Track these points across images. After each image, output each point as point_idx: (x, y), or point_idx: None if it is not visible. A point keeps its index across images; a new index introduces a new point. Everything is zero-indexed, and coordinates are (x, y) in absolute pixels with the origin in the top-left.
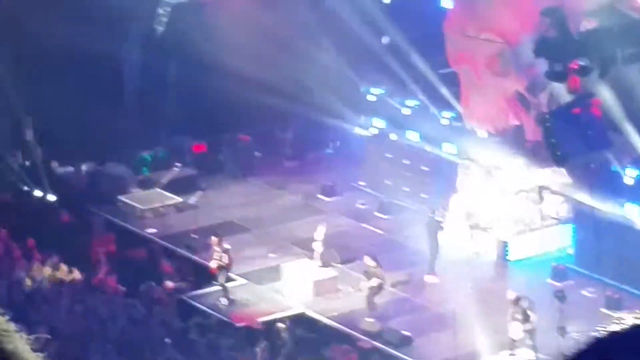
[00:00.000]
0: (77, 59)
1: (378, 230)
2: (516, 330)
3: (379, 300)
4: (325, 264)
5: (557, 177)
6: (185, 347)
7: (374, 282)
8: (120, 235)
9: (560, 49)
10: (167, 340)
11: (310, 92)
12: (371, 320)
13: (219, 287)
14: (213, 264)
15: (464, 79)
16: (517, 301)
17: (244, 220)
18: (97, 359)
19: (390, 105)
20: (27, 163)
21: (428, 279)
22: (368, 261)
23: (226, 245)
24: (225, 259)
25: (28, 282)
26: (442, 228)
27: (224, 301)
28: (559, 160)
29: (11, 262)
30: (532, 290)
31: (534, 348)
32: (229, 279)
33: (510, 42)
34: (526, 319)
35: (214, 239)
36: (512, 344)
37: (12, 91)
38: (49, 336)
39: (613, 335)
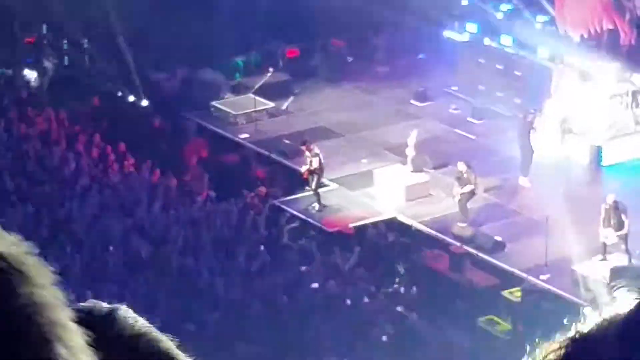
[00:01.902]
0: None
1: (471, 136)
2: (610, 235)
3: (471, 205)
4: (417, 169)
5: None
6: (278, 252)
7: (467, 187)
8: (213, 140)
9: None
10: (261, 246)
11: None
12: (463, 225)
13: (311, 193)
14: (304, 169)
15: None
16: (615, 206)
17: (336, 126)
18: (191, 262)
19: (484, 9)
20: (122, 69)
21: (521, 181)
22: (461, 167)
23: (316, 150)
24: (316, 164)
25: (123, 186)
26: (534, 130)
27: (316, 206)
28: None
29: (105, 166)
30: (626, 194)
31: (628, 252)
32: (321, 185)
33: None
34: (621, 224)
35: (304, 144)
36: (604, 249)
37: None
38: None
39: None
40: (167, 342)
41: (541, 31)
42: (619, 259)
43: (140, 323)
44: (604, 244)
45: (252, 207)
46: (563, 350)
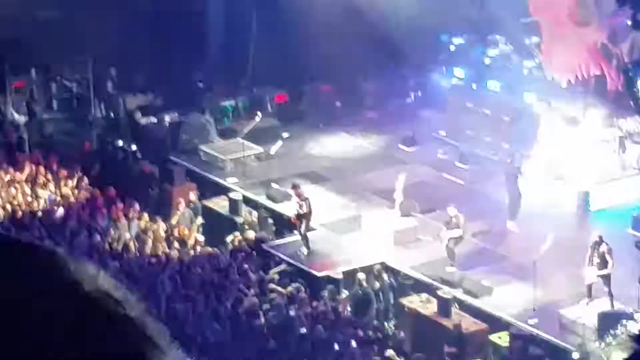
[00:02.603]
0: (160, 10)
1: (459, 180)
2: (591, 274)
3: (459, 249)
4: (405, 214)
5: (638, 126)
6: (267, 297)
7: (456, 232)
8: (202, 185)
9: None
10: (249, 292)
11: (391, 42)
12: (452, 269)
13: (300, 237)
14: (293, 214)
15: (545, 29)
16: (598, 244)
17: (324, 170)
18: (179, 307)
19: (471, 54)
20: (110, 114)
21: (509, 225)
22: (452, 211)
23: (305, 195)
24: (305, 208)
25: (112, 231)
26: (521, 174)
27: (304, 251)
28: None
29: (93, 211)
30: (612, 240)
31: (610, 295)
32: (309, 229)
33: None
34: (604, 263)
35: (293, 189)
36: (589, 290)
37: (95, 43)
38: None
39: None
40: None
41: (529, 76)
42: (603, 304)
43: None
44: (589, 286)
45: (241, 251)
46: None
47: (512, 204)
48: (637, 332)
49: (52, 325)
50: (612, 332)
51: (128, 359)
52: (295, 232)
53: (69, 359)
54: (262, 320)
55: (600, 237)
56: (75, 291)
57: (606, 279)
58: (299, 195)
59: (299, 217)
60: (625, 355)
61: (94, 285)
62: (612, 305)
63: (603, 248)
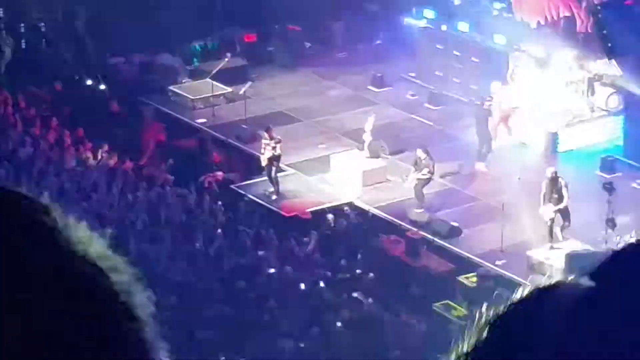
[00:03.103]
0: None
1: (428, 122)
2: (548, 210)
3: (427, 191)
4: (373, 155)
5: (607, 69)
6: (235, 237)
7: (424, 173)
8: (171, 125)
9: None
10: (218, 230)
11: None
12: (420, 210)
13: (272, 177)
14: (264, 155)
15: None
16: (554, 179)
17: (293, 111)
18: (148, 247)
19: None
20: (80, 54)
21: (478, 166)
22: (420, 153)
23: (278, 137)
24: (278, 150)
25: (80, 170)
26: (491, 115)
27: (273, 191)
28: (609, 51)
29: (62, 151)
30: (580, 181)
31: (566, 227)
32: (278, 169)
33: None
34: (560, 198)
35: (266, 131)
36: (550, 231)
37: None
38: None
39: None
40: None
41: (498, 17)
42: (572, 245)
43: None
44: (550, 225)
45: (210, 191)
46: (489, 327)
47: (481, 146)
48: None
49: (30, 288)
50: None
51: (106, 337)
52: (264, 173)
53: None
54: (231, 260)
55: (555, 173)
56: (63, 265)
57: (565, 213)
58: (271, 138)
59: (270, 159)
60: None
61: (83, 253)
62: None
63: (560, 183)
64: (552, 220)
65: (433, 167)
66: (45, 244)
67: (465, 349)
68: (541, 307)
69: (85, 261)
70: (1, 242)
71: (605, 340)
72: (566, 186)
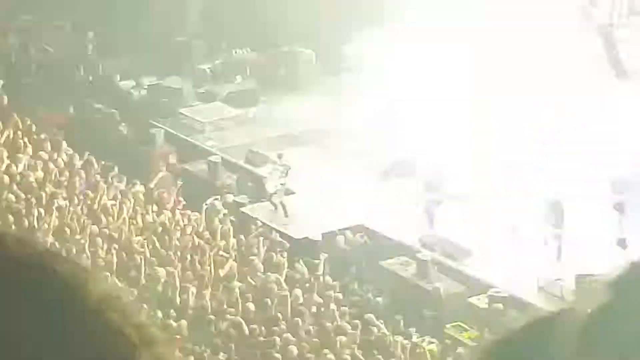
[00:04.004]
0: None
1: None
2: (549, 231)
3: (439, 211)
4: (383, 176)
5: None
6: (246, 259)
7: (435, 194)
8: (181, 148)
9: None
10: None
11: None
12: (431, 232)
13: (279, 200)
14: (272, 181)
15: None
16: (555, 202)
17: (303, 133)
18: (160, 271)
19: None
20: (90, 77)
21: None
22: (430, 173)
23: (287, 163)
24: (287, 175)
25: (91, 195)
26: None
27: (283, 213)
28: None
29: (72, 174)
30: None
31: (559, 250)
32: (288, 192)
33: None
34: (560, 223)
35: (279, 158)
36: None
37: (73, 6)
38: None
39: None
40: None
41: None
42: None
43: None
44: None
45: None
46: (485, 355)
47: None
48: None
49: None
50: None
51: None
52: (274, 195)
53: None
54: (242, 283)
55: (556, 201)
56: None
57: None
58: (282, 164)
59: (279, 184)
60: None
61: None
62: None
63: (558, 207)
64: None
65: (443, 187)
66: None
67: None
68: (537, 337)
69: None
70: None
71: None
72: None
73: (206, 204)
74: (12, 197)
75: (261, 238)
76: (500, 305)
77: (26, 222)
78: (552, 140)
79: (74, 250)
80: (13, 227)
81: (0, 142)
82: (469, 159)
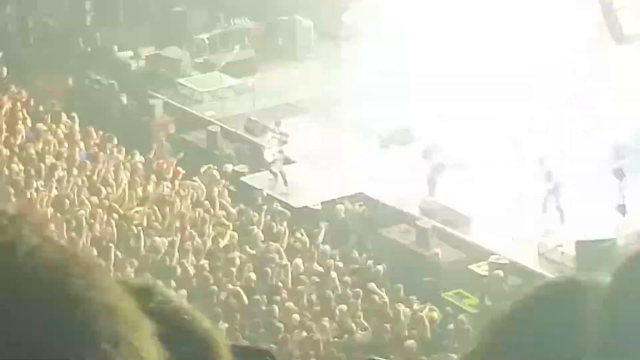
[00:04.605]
0: None
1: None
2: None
3: (438, 179)
4: (383, 145)
5: None
6: (245, 229)
7: (435, 160)
8: (180, 118)
9: None
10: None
11: None
12: (431, 199)
13: (278, 170)
14: (270, 149)
15: None
16: (543, 160)
17: (302, 102)
18: (160, 241)
19: None
20: (88, 48)
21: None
22: (429, 140)
23: (285, 131)
24: (285, 144)
25: (91, 166)
26: None
27: (283, 183)
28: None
29: (72, 145)
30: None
31: (560, 208)
32: (287, 161)
33: None
34: (549, 179)
35: (276, 125)
36: (544, 205)
37: None
38: None
39: None
40: (206, 321)
41: None
42: (581, 230)
43: (175, 297)
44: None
45: (220, 183)
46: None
47: None
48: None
49: None
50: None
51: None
52: (273, 164)
53: None
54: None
55: (544, 156)
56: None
57: (555, 194)
58: (280, 131)
59: (277, 152)
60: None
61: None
62: (563, 219)
63: (547, 165)
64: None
65: (442, 153)
66: None
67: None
68: (552, 304)
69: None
70: None
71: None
72: (553, 169)
73: (202, 171)
74: (14, 167)
75: (264, 207)
76: (500, 272)
77: (27, 194)
78: (552, 106)
79: (74, 222)
80: (13, 199)
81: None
82: (468, 126)
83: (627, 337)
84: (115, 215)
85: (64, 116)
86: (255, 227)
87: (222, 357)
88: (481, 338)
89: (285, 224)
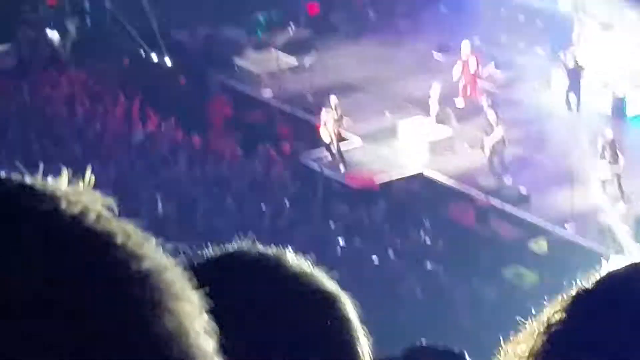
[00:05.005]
0: None
1: (493, 87)
2: (604, 168)
3: (496, 157)
4: (440, 122)
5: None
6: (304, 209)
7: (497, 135)
8: (237, 98)
9: None
10: (285, 201)
11: None
12: (492, 178)
13: (335, 149)
14: (326, 128)
15: None
16: (610, 141)
17: (359, 80)
18: (217, 221)
19: None
20: (144, 28)
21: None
22: (490, 115)
23: (340, 110)
24: (343, 123)
25: (147, 145)
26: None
27: (338, 162)
28: None
29: (129, 126)
30: None
31: (621, 191)
32: (344, 140)
33: None
34: (615, 159)
35: (331, 102)
36: (603, 186)
37: None
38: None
39: None
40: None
41: None
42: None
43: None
44: (602, 182)
45: (277, 163)
46: (564, 314)
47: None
48: None
49: None
50: None
51: None
52: (332, 147)
53: None
54: (301, 233)
55: (612, 136)
56: None
57: (617, 175)
58: (336, 110)
59: (335, 132)
60: None
61: None
62: (624, 199)
63: (614, 146)
64: (605, 181)
65: (503, 130)
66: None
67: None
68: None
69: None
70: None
71: None
72: (621, 149)
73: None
74: (77, 147)
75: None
76: (560, 249)
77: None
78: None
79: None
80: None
81: (59, 96)
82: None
83: None
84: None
85: (121, 97)
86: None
87: (349, 314)
88: (552, 314)
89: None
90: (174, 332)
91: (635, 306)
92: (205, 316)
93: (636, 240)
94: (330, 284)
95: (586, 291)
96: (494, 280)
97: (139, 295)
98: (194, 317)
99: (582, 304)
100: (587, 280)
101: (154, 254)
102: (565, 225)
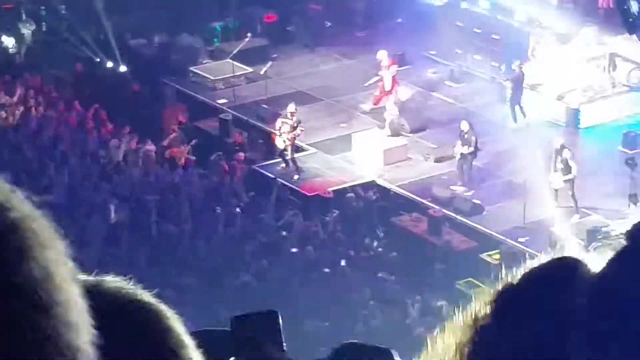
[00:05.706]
0: None
1: (449, 99)
2: (557, 179)
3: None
4: (394, 133)
5: (629, 44)
6: (256, 217)
7: (466, 149)
8: (192, 106)
9: None
10: (237, 209)
11: None
12: (458, 188)
13: (289, 157)
14: (281, 137)
15: None
16: (560, 150)
17: (314, 90)
18: (170, 227)
19: None
20: (101, 35)
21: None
22: (464, 126)
23: (297, 117)
24: (298, 130)
25: (103, 153)
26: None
27: (293, 171)
28: (631, 27)
29: (84, 133)
30: (602, 157)
31: (574, 199)
32: (299, 149)
33: None
34: (567, 169)
35: (288, 111)
36: (555, 195)
37: None
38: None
39: None
40: (147, 295)
41: None
42: (595, 219)
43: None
44: (555, 191)
45: (230, 171)
46: (490, 308)
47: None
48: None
49: None
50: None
51: None
52: (286, 155)
53: None
54: (253, 241)
55: (562, 145)
56: None
57: (570, 183)
58: (292, 117)
59: (289, 139)
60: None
61: None
62: (577, 209)
63: (565, 154)
64: (558, 190)
65: (476, 141)
66: None
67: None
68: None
69: None
70: None
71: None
72: (572, 158)
73: (212, 159)
74: (29, 153)
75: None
76: (512, 261)
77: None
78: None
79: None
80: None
81: (13, 101)
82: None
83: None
84: (127, 203)
85: (76, 103)
86: (265, 215)
87: (173, 328)
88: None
89: (297, 212)
90: (39, 278)
91: (556, 299)
92: (71, 263)
93: (587, 251)
94: (147, 296)
95: (512, 286)
96: (446, 291)
97: (6, 243)
98: (59, 263)
99: (507, 298)
100: (513, 276)
101: (21, 205)
102: (519, 238)
